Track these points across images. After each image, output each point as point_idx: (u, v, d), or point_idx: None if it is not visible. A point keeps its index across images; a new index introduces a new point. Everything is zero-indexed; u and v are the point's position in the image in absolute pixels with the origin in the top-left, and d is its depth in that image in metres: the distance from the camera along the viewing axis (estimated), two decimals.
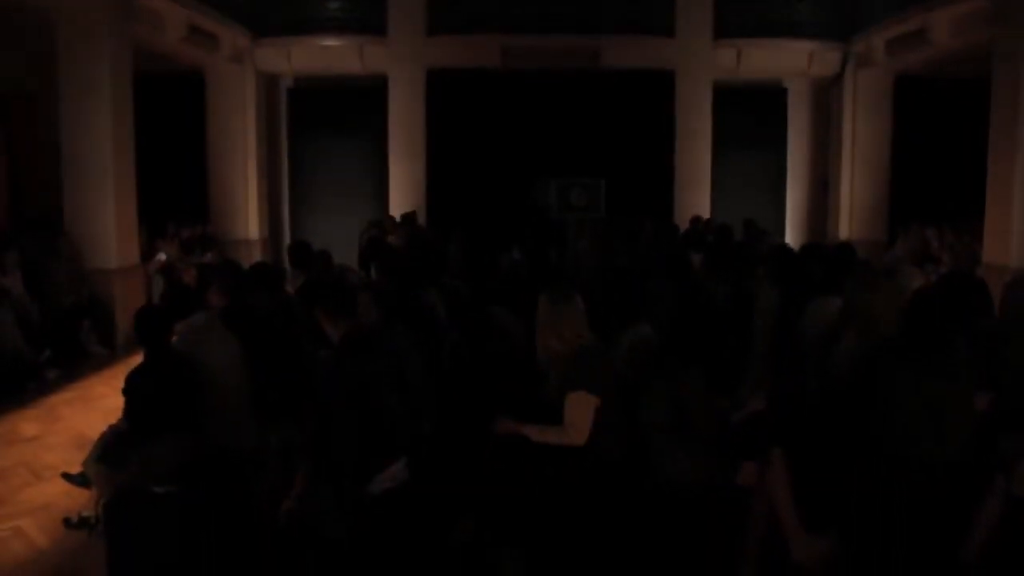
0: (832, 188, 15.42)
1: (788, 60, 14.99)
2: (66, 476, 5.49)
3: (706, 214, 13.51)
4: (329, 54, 14.81)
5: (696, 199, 14.52)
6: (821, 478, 4.18)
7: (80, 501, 5.12)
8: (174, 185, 14.29)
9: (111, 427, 4.99)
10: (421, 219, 13.67)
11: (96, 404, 7.57)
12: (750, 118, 16.16)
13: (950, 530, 4.03)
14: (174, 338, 4.74)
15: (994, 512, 4.09)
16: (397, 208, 14.07)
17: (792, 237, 15.84)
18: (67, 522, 4.97)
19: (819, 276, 5.76)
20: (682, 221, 12.69)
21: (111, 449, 4.72)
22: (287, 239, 15.59)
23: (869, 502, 4.00)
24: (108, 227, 9.94)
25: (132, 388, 4.43)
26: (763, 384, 5.29)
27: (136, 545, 3.76)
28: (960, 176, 13.08)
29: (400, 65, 14.63)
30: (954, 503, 3.97)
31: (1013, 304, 4.81)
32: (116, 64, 9.86)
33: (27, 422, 7.14)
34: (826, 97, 15.89)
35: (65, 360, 8.88)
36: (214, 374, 4.63)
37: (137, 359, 4.63)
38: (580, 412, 4.06)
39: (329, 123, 16.02)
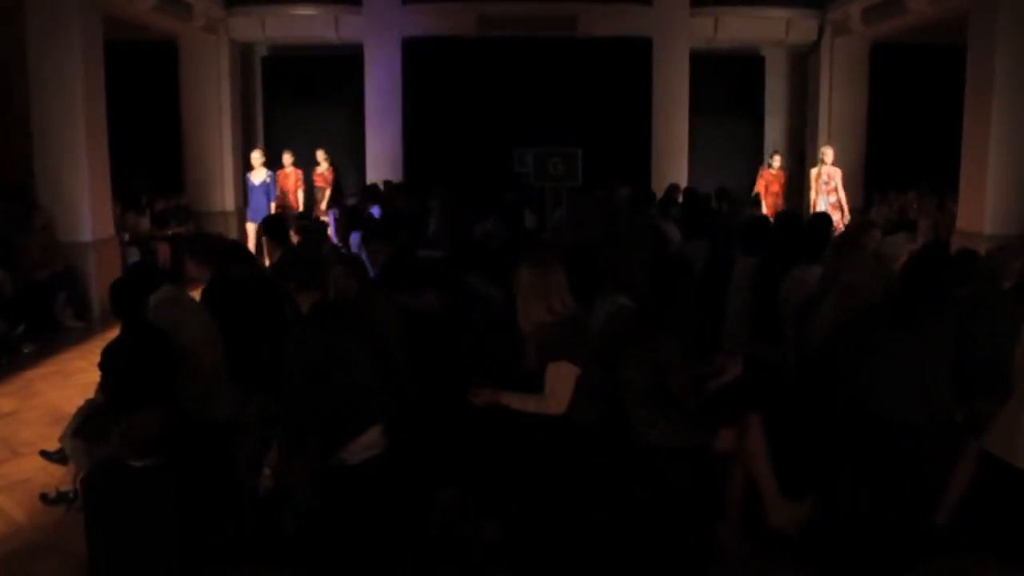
0: (809, 156, 15.43)
1: (765, 28, 14.95)
2: (44, 453, 5.46)
3: (684, 182, 13.51)
4: (304, 23, 14.65)
5: (674, 167, 14.50)
6: (798, 444, 4.23)
7: (57, 476, 5.09)
8: (147, 156, 14.16)
9: (88, 401, 4.97)
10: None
11: (73, 378, 7.52)
12: (727, 86, 16.16)
13: (925, 492, 4.10)
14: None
15: (967, 474, 4.16)
16: (374, 177, 13.98)
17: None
18: (44, 497, 4.95)
19: (795, 245, 5.79)
20: (660, 189, 12.68)
21: (88, 423, 4.71)
22: None
23: (846, 466, 4.06)
24: (82, 199, 9.81)
25: (109, 362, 4.40)
26: (740, 351, 5.32)
27: (115, 519, 3.75)
28: (936, 143, 13.14)
29: (376, 34, 14.47)
30: (929, 466, 4.03)
31: (987, 272, 4.87)
32: (87, 33, 9.70)
33: (3, 397, 7.08)
34: (803, 65, 15.89)
35: (41, 334, 8.81)
36: (188, 345, 4.62)
37: (113, 333, 4.61)
38: (562, 382, 4.07)
39: (304, 92, 15.90)
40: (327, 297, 4.48)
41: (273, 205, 12.71)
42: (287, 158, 13.60)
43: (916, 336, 4.00)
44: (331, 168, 14.32)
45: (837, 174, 12.52)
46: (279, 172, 13.38)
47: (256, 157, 12.99)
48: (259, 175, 12.87)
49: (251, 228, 12.65)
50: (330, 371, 3.99)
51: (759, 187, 13.81)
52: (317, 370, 3.96)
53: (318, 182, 14.13)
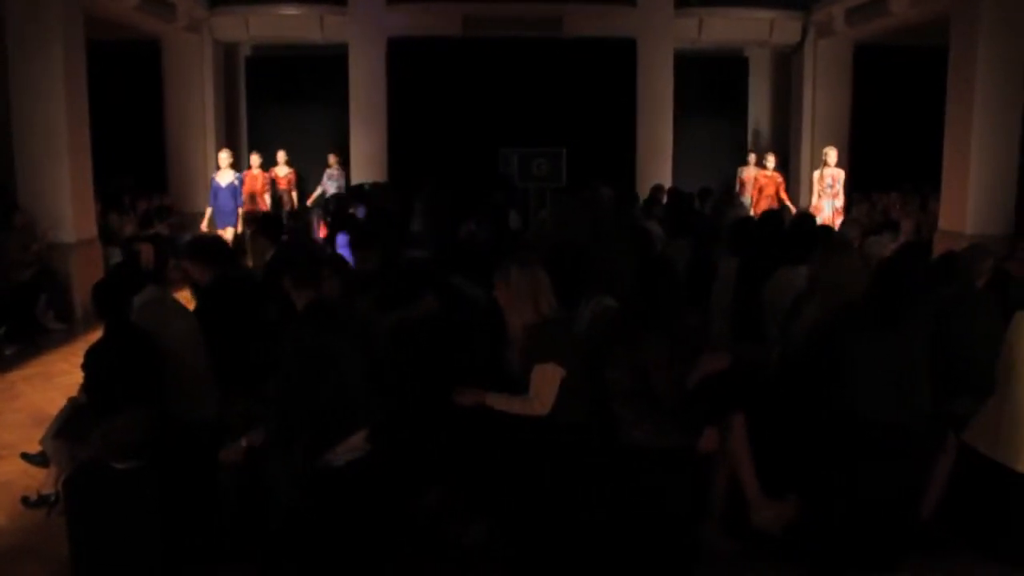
0: (792, 157, 15.51)
1: (749, 29, 15.03)
2: (25, 456, 5.42)
3: (668, 182, 13.53)
4: (288, 23, 14.63)
5: (658, 168, 14.55)
6: (782, 443, 4.25)
7: (39, 479, 5.06)
8: (130, 156, 14.11)
9: (70, 400, 4.93)
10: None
11: (55, 380, 7.48)
12: (711, 87, 16.21)
13: (908, 490, 4.12)
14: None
15: (947, 469, 4.20)
16: (359, 178, 13.96)
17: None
18: (25, 501, 4.92)
19: (779, 245, 5.80)
20: (644, 189, 12.70)
21: (69, 423, 4.68)
22: None
23: (828, 465, 4.07)
24: (64, 200, 9.75)
25: (92, 363, 4.38)
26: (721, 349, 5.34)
27: (97, 521, 3.73)
28: (919, 144, 13.22)
29: (360, 34, 14.46)
30: (912, 464, 4.06)
31: (962, 272, 4.91)
32: (68, 33, 9.63)
33: None
34: (786, 66, 15.97)
35: (22, 336, 8.76)
36: (172, 347, 4.60)
37: (96, 334, 4.58)
38: (547, 383, 4.08)
39: (289, 93, 15.84)
40: (323, 296, 4.48)
41: (241, 210, 12.31)
42: (254, 159, 13.29)
43: (894, 335, 4.03)
44: (292, 170, 14.06)
45: (841, 176, 11.99)
46: (246, 174, 13.07)
47: (223, 157, 12.51)
48: (226, 176, 12.41)
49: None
50: (326, 370, 3.99)
51: (752, 191, 13.27)
52: (313, 368, 3.96)
53: (281, 184, 13.86)
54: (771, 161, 13.32)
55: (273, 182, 13.73)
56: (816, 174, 12.19)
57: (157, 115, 14.54)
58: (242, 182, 12.60)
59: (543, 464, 4.05)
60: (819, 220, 10.29)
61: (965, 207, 9.99)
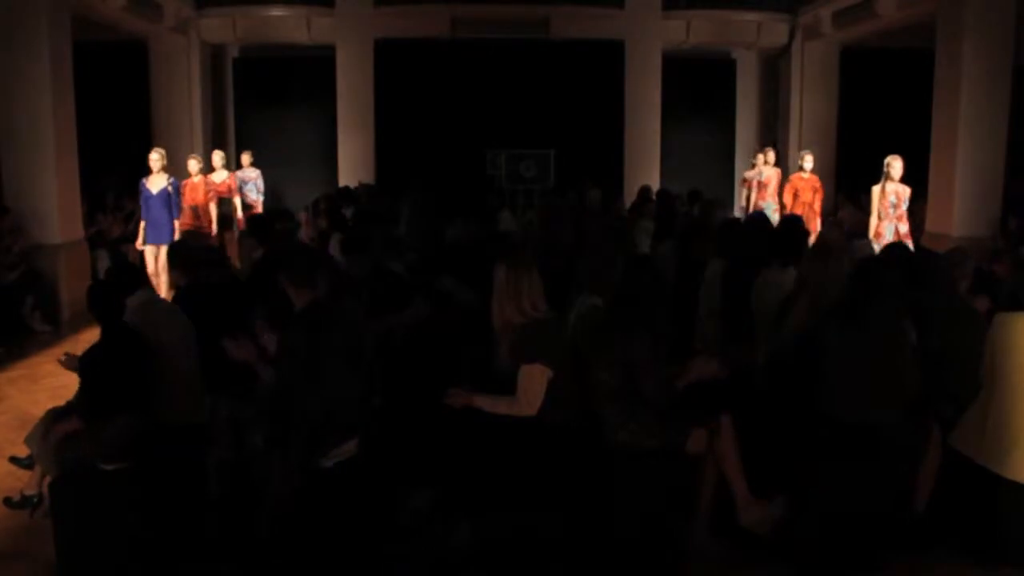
0: (780, 159, 15.54)
1: (736, 31, 15.10)
2: (13, 459, 5.38)
3: (655, 184, 13.55)
4: (275, 24, 14.61)
5: (645, 169, 14.59)
6: (769, 444, 4.26)
7: (24, 480, 5.03)
8: (117, 157, 14.02)
9: (50, 412, 4.88)
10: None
11: (41, 382, 7.43)
12: (699, 89, 16.28)
13: (891, 490, 4.14)
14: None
15: (935, 467, 4.23)
16: (347, 180, 13.93)
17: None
18: (8, 502, 4.89)
19: (767, 247, 5.81)
20: (632, 191, 12.72)
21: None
22: None
23: (814, 465, 4.09)
24: (50, 201, 9.69)
25: (91, 366, 4.35)
26: (713, 352, 5.35)
27: (85, 523, 3.72)
28: (905, 146, 13.26)
29: (348, 35, 14.46)
30: (892, 464, 4.08)
31: (946, 278, 4.92)
32: (55, 33, 9.59)
33: None
34: (774, 68, 16.02)
35: (9, 338, 8.71)
36: (164, 350, 4.58)
37: (83, 336, 4.56)
38: (533, 384, 4.08)
39: (277, 94, 15.86)
40: (320, 297, 4.47)
41: (178, 223, 10.19)
42: (193, 164, 11.05)
43: (866, 335, 4.06)
44: (232, 174, 12.04)
45: (907, 194, 9.45)
46: (184, 183, 10.73)
47: (154, 159, 10.21)
48: (157, 182, 10.12)
49: (149, 252, 10.13)
50: (322, 372, 3.99)
51: (786, 195, 11.30)
52: (309, 370, 3.96)
53: (221, 191, 11.55)
54: (808, 161, 11.21)
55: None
56: (875, 190, 9.60)
57: (144, 116, 14.49)
58: (178, 190, 10.33)
59: (531, 465, 4.05)
60: (878, 247, 8.68)
61: (951, 209, 10.04)
